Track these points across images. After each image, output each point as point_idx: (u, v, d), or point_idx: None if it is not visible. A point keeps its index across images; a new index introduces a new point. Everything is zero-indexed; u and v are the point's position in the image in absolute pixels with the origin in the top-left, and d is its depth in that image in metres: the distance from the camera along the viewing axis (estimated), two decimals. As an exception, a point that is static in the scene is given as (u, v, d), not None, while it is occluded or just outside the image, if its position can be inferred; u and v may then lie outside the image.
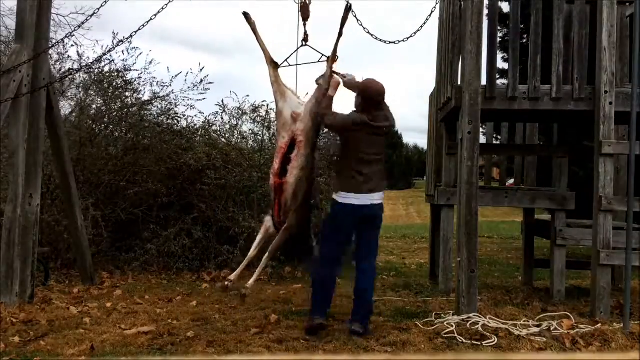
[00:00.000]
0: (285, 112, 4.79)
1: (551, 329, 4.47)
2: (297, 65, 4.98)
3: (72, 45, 9.74)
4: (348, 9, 4.80)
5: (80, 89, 8.35)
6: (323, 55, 4.88)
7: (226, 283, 4.77)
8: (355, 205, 4.39)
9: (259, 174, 7.64)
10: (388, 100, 4.59)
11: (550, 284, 5.91)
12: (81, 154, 7.71)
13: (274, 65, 4.96)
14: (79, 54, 8.25)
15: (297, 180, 4.62)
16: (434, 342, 4.17)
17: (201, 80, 8.33)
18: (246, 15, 5.02)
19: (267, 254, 4.87)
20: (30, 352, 3.90)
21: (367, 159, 4.43)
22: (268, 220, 4.94)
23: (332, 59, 4.78)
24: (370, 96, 4.45)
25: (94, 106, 8.38)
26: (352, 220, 4.44)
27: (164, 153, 7.85)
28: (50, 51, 6.09)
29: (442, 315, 4.89)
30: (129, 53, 8.12)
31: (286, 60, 4.98)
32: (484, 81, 5.08)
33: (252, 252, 4.90)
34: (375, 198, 4.44)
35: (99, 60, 6.90)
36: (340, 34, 4.80)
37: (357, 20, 5.06)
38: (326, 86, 4.70)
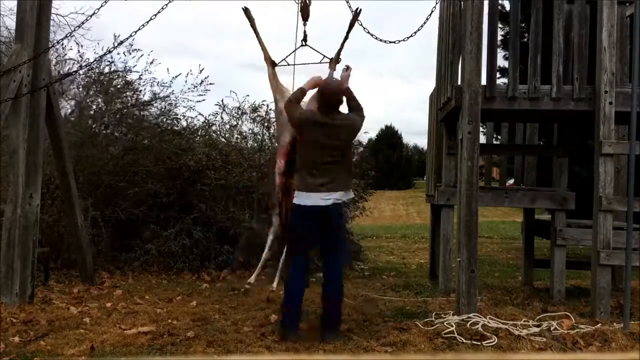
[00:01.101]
0: None
1: (551, 329, 4.47)
2: (294, 65, 4.98)
3: (70, 49, 9.71)
4: (357, 13, 4.81)
5: (81, 89, 8.36)
6: (325, 56, 4.89)
7: (246, 286, 4.79)
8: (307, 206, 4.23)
9: (258, 174, 7.64)
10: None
11: (550, 284, 5.91)
12: (81, 154, 7.71)
13: (272, 64, 4.96)
14: (79, 54, 8.27)
15: None
16: (434, 342, 4.17)
17: (201, 82, 8.35)
18: (246, 10, 5.01)
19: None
20: (30, 352, 3.90)
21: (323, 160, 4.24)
22: (275, 220, 4.93)
23: (335, 60, 4.78)
24: (324, 95, 4.35)
25: (94, 106, 8.39)
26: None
27: (163, 153, 7.86)
28: (50, 51, 6.09)
29: (442, 315, 4.88)
30: (130, 54, 8.14)
31: (284, 59, 4.98)
32: (484, 81, 5.08)
33: (265, 254, 4.91)
34: (331, 197, 4.22)
35: (98, 60, 6.90)
36: (346, 38, 4.82)
37: (358, 20, 5.06)
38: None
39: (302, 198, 4.25)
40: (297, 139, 4.44)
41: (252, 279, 4.81)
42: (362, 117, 4.45)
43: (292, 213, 4.39)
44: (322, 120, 4.27)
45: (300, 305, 4.33)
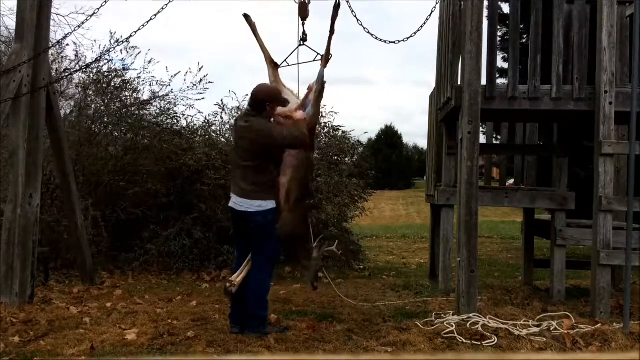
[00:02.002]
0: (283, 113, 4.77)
1: (551, 329, 4.47)
2: (298, 64, 4.96)
3: (65, 50, 9.65)
4: (337, 5, 4.80)
5: (79, 89, 8.36)
6: (318, 54, 4.87)
7: (227, 284, 4.66)
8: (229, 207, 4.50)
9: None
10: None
11: (550, 284, 5.91)
12: (81, 154, 7.71)
13: (273, 66, 4.94)
14: (77, 54, 8.26)
15: (290, 181, 4.58)
16: (434, 342, 4.17)
17: (200, 80, 8.35)
18: (246, 16, 5.01)
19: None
20: (30, 352, 3.90)
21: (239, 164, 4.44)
22: None
23: (326, 57, 4.77)
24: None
25: (93, 106, 8.38)
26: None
27: (163, 153, 7.86)
28: (50, 51, 6.08)
29: (442, 315, 4.89)
30: (127, 52, 8.14)
31: (285, 60, 4.97)
32: (484, 81, 5.08)
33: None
34: (243, 203, 4.34)
35: (97, 60, 6.89)
36: (332, 32, 4.79)
37: (358, 20, 5.07)
38: (319, 87, 4.69)
39: (231, 198, 4.47)
40: None
41: (234, 278, 4.52)
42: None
43: None
44: (237, 121, 4.57)
45: (239, 299, 4.39)
